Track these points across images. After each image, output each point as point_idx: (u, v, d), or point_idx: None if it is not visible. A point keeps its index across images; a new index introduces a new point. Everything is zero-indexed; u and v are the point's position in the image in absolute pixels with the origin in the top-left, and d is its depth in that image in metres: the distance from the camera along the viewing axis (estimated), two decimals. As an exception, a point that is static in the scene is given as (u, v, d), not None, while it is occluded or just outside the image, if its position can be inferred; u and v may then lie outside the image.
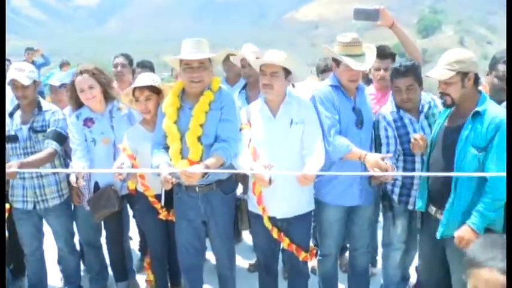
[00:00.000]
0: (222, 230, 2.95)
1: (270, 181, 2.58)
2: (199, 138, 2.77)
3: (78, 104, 3.23)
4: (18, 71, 3.14)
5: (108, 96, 3.23)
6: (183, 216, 2.93)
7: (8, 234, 3.64)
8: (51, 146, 3.14)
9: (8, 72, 3.23)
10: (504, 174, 2.23)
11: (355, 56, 2.82)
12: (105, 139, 3.18)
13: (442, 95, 2.56)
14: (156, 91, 3.03)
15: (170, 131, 2.80)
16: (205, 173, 2.62)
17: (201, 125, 2.77)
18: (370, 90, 3.40)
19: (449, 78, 2.47)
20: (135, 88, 3.03)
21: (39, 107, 3.24)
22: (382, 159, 2.63)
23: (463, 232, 2.43)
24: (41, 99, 3.34)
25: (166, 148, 2.84)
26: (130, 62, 4.32)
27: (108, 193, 3.14)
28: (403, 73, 2.86)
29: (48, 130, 3.19)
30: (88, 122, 3.18)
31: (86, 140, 3.17)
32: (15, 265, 3.75)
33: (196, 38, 2.83)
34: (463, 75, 2.48)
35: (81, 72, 3.15)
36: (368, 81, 3.62)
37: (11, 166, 2.85)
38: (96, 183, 3.22)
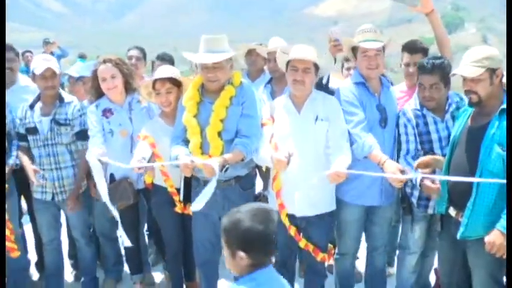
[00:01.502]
0: None
1: (289, 162, 2.53)
2: (219, 134, 2.75)
3: (98, 94, 3.22)
4: (47, 61, 3.16)
5: (129, 88, 3.22)
6: (201, 211, 2.91)
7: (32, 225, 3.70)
8: (86, 147, 3.17)
9: (32, 63, 3.23)
10: (504, 181, 2.16)
11: (372, 40, 2.81)
12: (123, 131, 3.16)
13: (468, 93, 2.47)
14: (176, 84, 3.01)
15: (190, 125, 2.80)
16: (225, 168, 2.60)
17: (222, 120, 2.75)
18: (401, 88, 3.32)
19: (479, 75, 2.38)
20: (155, 80, 3.00)
21: (61, 99, 3.25)
22: (401, 171, 2.58)
23: (493, 237, 2.34)
24: (61, 90, 3.35)
25: (186, 141, 2.83)
26: (145, 55, 4.31)
27: (123, 185, 3.13)
28: (429, 70, 2.74)
29: (77, 130, 3.21)
30: (107, 112, 3.18)
31: (103, 130, 3.16)
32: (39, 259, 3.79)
33: (213, 34, 2.81)
34: (492, 71, 2.40)
35: (104, 61, 3.15)
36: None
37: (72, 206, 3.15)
38: (112, 175, 3.22)
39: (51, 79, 3.16)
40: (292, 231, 2.84)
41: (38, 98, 3.27)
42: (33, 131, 3.20)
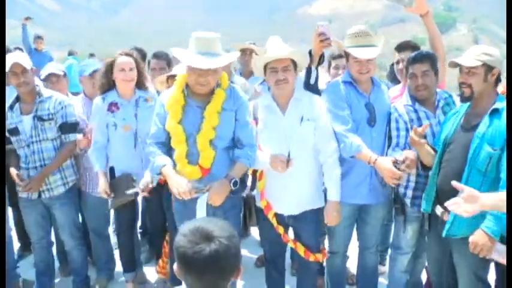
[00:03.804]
0: None
1: (288, 164, 2.51)
2: (211, 142, 2.62)
3: (108, 87, 3.19)
4: (15, 57, 3.09)
5: (139, 84, 3.22)
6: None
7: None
8: (70, 140, 3.19)
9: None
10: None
11: (364, 46, 2.77)
12: (126, 126, 3.15)
13: (463, 85, 2.51)
14: None
15: (175, 133, 2.63)
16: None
17: (214, 128, 2.61)
18: (399, 87, 3.31)
19: (474, 66, 2.44)
20: (169, 76, 3.04)
21: (40, 95, 3.18)
22: (394, 164, 2.60)
23: (477, 237, 2.32)
24: (41, 87, 3.28)
25: (165, 144, 2.71)
26: (144, 56, 4.27)
27: (128, 181, 3.09)
28: (419, 59, 2.79)
29: (60, 123, 3.18)
30: (113, 106, 3.16)
31: (107, 126, 3.15)
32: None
33: (207, 33, 2.64)
34: (488, 68, 2.45)
35: (126, 54, 3.16)
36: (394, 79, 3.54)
37: (32, 186, 3.09)
38: (112, 169, 3.17)
39: (23, 75, 3.06)
40: (281, 230, 2.83)
41: (17, 99, 3.19)
42: (15, 131, 3.14)
